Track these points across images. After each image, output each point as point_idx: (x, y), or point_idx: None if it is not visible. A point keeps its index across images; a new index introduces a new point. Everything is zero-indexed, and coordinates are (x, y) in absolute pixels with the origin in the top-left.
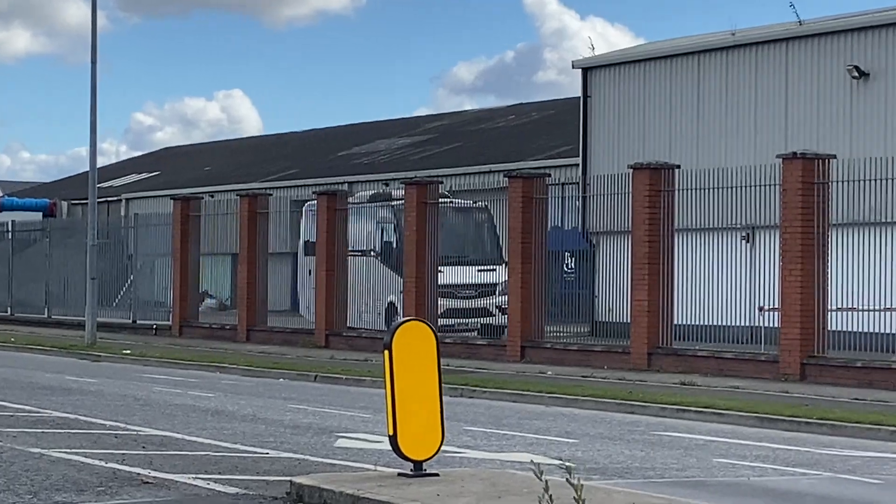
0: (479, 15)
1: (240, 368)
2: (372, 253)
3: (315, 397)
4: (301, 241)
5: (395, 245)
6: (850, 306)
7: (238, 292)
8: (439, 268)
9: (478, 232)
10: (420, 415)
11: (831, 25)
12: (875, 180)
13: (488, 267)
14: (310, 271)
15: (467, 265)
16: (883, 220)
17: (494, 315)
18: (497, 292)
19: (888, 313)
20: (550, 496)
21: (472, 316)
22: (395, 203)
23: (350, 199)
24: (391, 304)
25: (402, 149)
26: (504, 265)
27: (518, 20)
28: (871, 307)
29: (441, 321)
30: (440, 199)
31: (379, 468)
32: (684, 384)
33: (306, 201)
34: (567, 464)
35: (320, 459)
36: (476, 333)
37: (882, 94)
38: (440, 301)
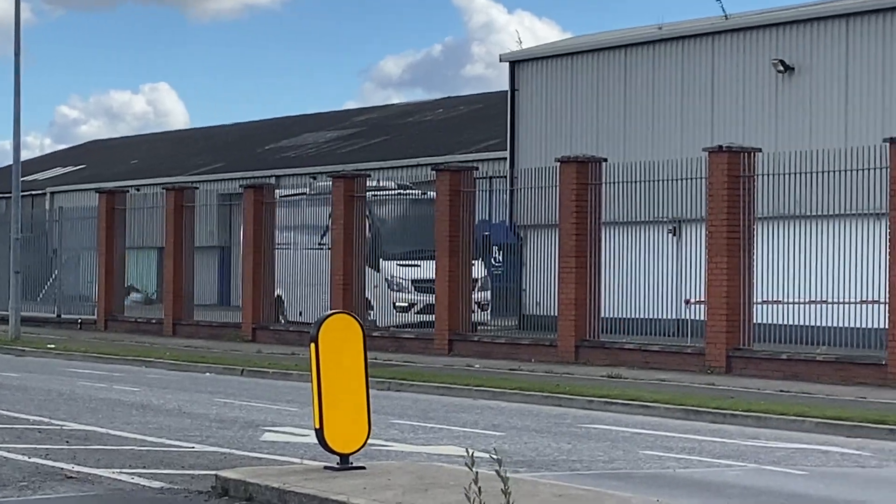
0: (407, 9)
1: (166, 363)
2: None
3: (242, 391)
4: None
5: (371, 238)
6: (775, 299)
7: (164, 286)
8: (415, 261)
9: None
10: (346, 408)
11: (757, 20)
12: (799, 174)
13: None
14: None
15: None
16: (807, 213)
17: (474, 311)
18: (477, 288)
19: (812, 306)
20: (479, 488)
21: None
22: (366, 195)
23: (306, 191)
24: (364, 299)
25: (329, 142)
26: (480, 259)
27: (446, 14)
28: (796, 300)
29: (419, 318)
30: (401, 191)
31: (305, 462)
32: (611, 377)
33: (233, 195)
34: (495, 456)
35: (246, 453)
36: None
37: (807, 88)
38: (420, 297)
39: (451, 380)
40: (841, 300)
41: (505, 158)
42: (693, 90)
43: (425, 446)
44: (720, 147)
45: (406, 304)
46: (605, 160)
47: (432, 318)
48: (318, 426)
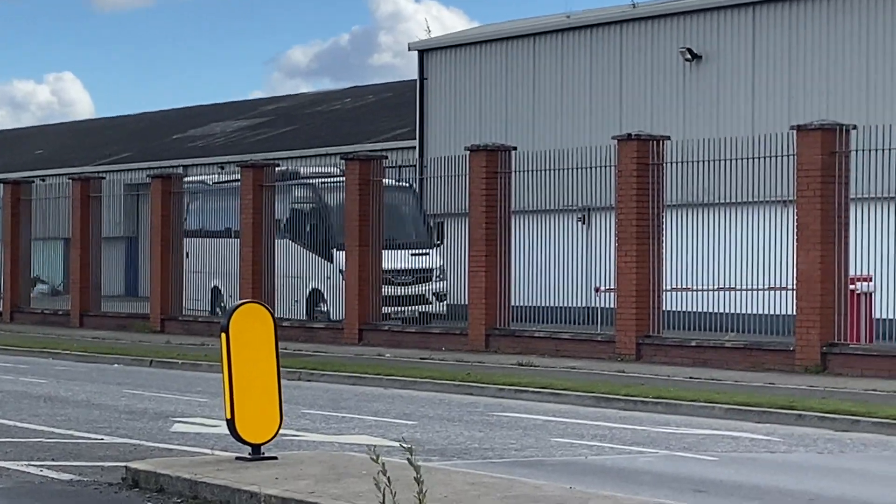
0: None
1: (73, 354)
2: (287, 236)
3: (151, 382)
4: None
5: (319, 226)
6: (684, 286)
7: (71, 277)
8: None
9: (404, 213)
10: (258, 398)
11: (664, 8)
12: (707, 161)
13: (421, 251)
14: (187, 254)
15: (397, 248)
16: (715, 200)
17: (431, 303)
18: (434, 278)
19: (721, 293)
20: (388, 478)
21: (409, 304)
22: (315, 181)
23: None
24: (315, 290)
25: (237, 132)
26: (436, 248)
27: (353, 3)
28: (705, 287)
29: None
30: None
31: (216, 452)
32: (522, 365)
33: (140, 185)
34: (406, 445)
35: (156, 445)
36: (402, 322)
37: (714, 76)
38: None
39: (363, 369)
40: (749, 287)
41: (414, 147)
42: (601, 78)
43: (337, 436)
44: (629, 135)
45: None
46: (515, 148)
47: (391, 310)
48: (229, 416)
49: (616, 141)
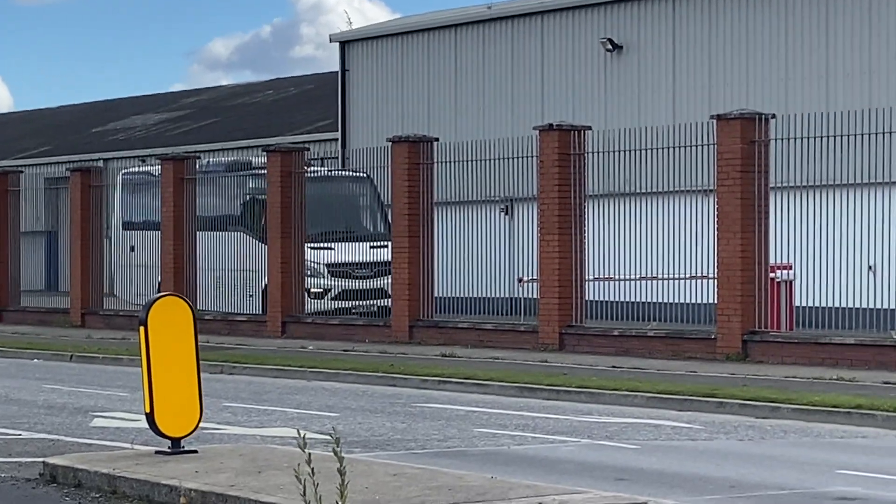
0: None
1: None
2: (241, 228)
3: (71, 377)
4: (116, 216)
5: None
6: (607, 276)
7: None
8: (329, 244)
9: (361, 204)
10: (177, 391)
11: None
12: (629, 151)
13: (380, 243)
14: (132, 247)
15: (355, 241)
16: (637, 190)
17: (391, 296)
18: (391, 272)
19: (643, 282)
20: (312, 469)
21: (369, 298)
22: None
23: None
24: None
25: (158, 124)
26: (391, 243)
27: None
28: (627, 276)
29: (334, 304)
30: (308, 168)
31: (136, 447)
32: (445, 356)
33: (59, 179)
34: (331, 436)
35: (76, 440)
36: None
37: (634, 67)
38: (336, 282)
39: (285, 362)
40: (671, 276)
41: (337, 139)
42: (523, 69)
43: (259, 429)
44: (551, 125)
45: (321, 290)
46: (437, 140)
47: (350, 304)
48: (148, 410)
49: (538, 131)
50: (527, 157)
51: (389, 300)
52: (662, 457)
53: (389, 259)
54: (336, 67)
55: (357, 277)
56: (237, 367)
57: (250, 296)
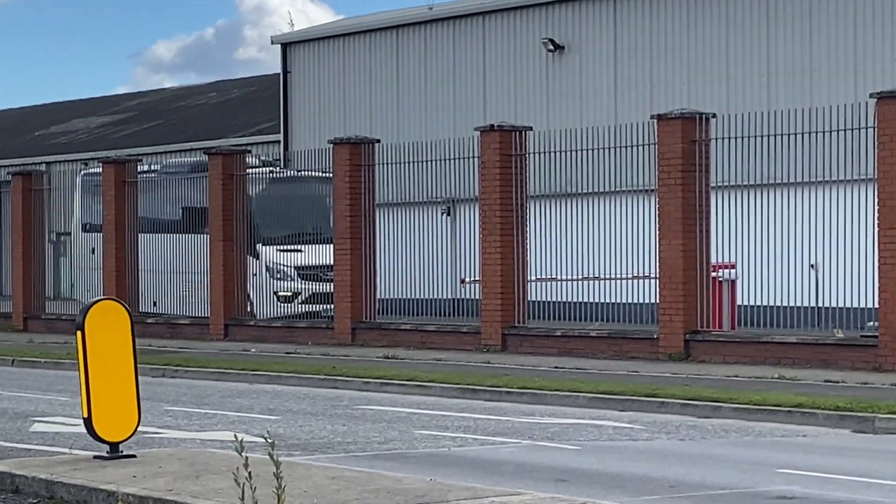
0: None
1: None
2: (206, 230)
3: (11, 382)
4: (76, 218)
5: (245, 220)
6: (549, 276)
7: None
8: (298, 247)
9: (329, 204)
10: (116, 396)
11: None
12: (570, 151)
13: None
14: (93, 250)
15: (324, 243)
16: (579, 190)
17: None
18: None
19: (586, 282)
20: (249, 473)
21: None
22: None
23: (156, 168)
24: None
25: (101, 127)
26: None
27: None
28: (570, 277)
29: (304, 308)
30: (273, 169)
31: (75, 452)
32: (388, 358)
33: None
34: (269, 439)
35: (15, 445)
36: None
37: (576, 67)
38: (305, 285)
39: (227, 365)
40: (613, 276)
41: (279, 141)
42: (465, 70)
43: (199, 432)
44: (492, 126)
45: (290, 294)
46: (378, 141)
47: (320, 308)
48: (86, 415)
49: (479, 132)
50: (468, 157)
51: None
52: (603, 457)
53: None
54: (279, 69)
55: (327, 280)
56: (179, 370)
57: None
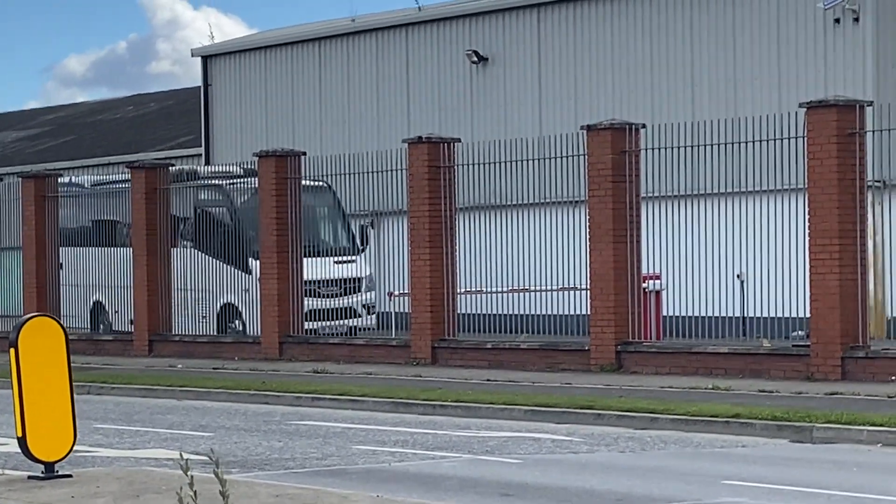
0: (89, 6)
1: None
2: (188, 243)
3: None
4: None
5: (231, 232)
6: (477, 289)
7: None
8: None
9: (322, 215)
10: (50, 414)
11: (451, 11)
12: (499, 163)
13: (346, 258)
14: (60, 265)
15: (317, 255)
16: (507, 202)
17: (361, 316)
18: (363, 288)
19: (516, 294)
20: (195, 492)
21: (337, 317)
22: (223, 182)
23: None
24: (228, 305)
25: (15, 142)
26: (361, 254)
27: (129, 11)
28: (498, 289)
29: (305, 325)
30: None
31: (7, 472)
32: (317, 372)
33: None
34: (211, 457)
35: None
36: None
37: (501, 78)
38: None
39: (154, 381)
40: (543, 287)
41: (200, 155)
42: (389, 82)
43: (132, 450)
44: (419, 138)
45: None
46: (304, 154)
47: (317, 325)
48: (20, 434)
49: (407, 144)
50: (395, 170)
51: (360, 319)
52: (546, 470)
53: (359, 275)
54: (197, 82)
55: (324, 296)
56: (105, 387)
57: (203, 317)
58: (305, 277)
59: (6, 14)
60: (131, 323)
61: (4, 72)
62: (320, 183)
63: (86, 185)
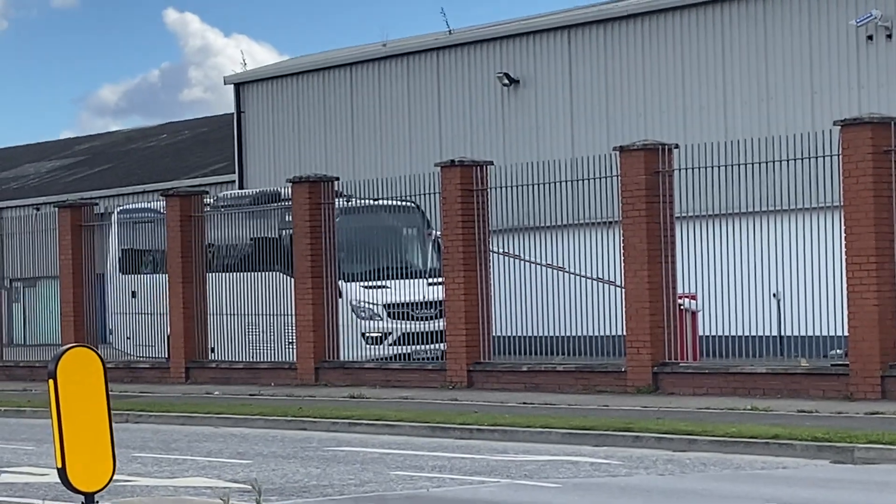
0: (121, 36)
1: None
2: (277, 268)
3: None
4: (113, 256)
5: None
6: (516, 254)
7: None
8: (384, 282)
9: (410, 236)
10: (89, 444)
11: (481, 34)
12: (532, 185)
13: (438, 279)
14: (134, 293)
15: (409, 278)
16: (540, 224)
17: (437, 343)
18: (439, 314)
19: (548, 316)
20: None
21: (429, 341)
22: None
23: (212, 200)
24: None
25: (52, 172)
26: (440, 278)
27: (161, 39)
28: (534, 259)
29: (393, 350)
30: (342, 198)
31: (48, 503)
32: (354, 397)
33: None
34: (252, 485)
35: None
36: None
37: (532, 100)
38: (395, 324)
39: (192, 408)
40: (580, 273)
41: (234, 181)
42: (420, 105)
43: (171, 479)
44: (452, 161)
45: (378, 334)
46: (337, 179)
47: (410, 349)
48: (60, 465)
49: (440, 168)
50: (429, 194)
51: (444, 344)
52: (585, 495)
53: (436, 299)
54: (229, 109)
55: (418, 319)
56: (143, 415)
57: (290, 343)
58: (397, 300)
59: (39, 45)
60: (212, 350)
61: (39, 102)
62: (409, 203)
63: (161, 211)
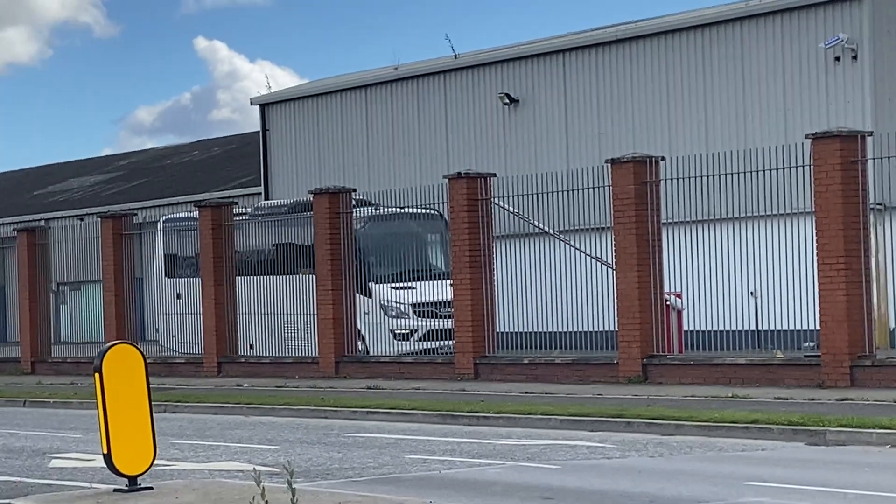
0: (156, 63)
1: None
2: (312, 270)
3: (26, 421)
4: (158, 261)
5: (352, 258)
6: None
7: None
8: (411, 283)
9: (434, 241)
10: (132, 432)
11: (484, 58)
12: (531, 195)
13: None
14: (178, 295)
15: (434, 279)
16: (538, 230)
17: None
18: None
19: (551, 313)
20: (266, 502)
21: (451, 338)
22: (357, 211)
23: (248, 210)
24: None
25: (94, 186)
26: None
27: (193, 65)
28: (544, 229)
29: (420, 345)
30: (368, 206)
31: (95, 485)
32: (371, 388)
33: (5, 239)
34: (286, 468)
35: (37, 481)
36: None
37: (531, 118)
38: (421, 322)
39: (224, 399)
40: (581, 249)
41: (260, 193)
42: (429, 123)
43: (206, 463)
44: (459, 174)
45: (406, 331)
46: (354, 190)
47: (436, 344)
48: (106, 451)
49: (447, 180)
50: (438, 203)
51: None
52: (582, 475)
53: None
54: (255, 128)
55: (442, 316)
56: (180, 405)
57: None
58: (423, 300)
59: (82, 71)
60: (251, 347)
61: (82, 123)
62: (432, 211)
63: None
